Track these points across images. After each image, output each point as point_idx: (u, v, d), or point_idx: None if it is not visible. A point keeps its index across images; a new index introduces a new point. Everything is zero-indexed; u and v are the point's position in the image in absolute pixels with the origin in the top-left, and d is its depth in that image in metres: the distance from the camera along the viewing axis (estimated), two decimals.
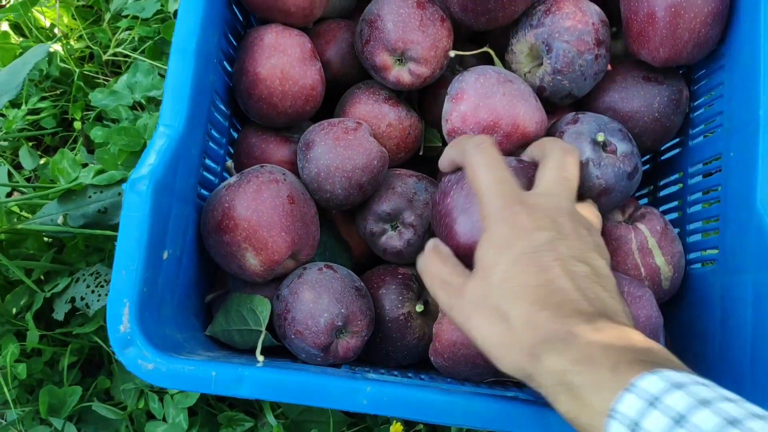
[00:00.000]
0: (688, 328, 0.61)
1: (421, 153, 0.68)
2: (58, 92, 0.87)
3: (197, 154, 0.57)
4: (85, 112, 0.84)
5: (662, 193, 0.70)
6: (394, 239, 0.61)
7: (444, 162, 0.52)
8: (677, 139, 0.68)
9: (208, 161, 0.61)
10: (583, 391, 0.35)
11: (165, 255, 0.51)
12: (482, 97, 0.57)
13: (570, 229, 0.43)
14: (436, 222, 0.53)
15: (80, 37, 0.90)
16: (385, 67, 0.61)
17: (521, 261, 0.41)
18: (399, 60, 0.61)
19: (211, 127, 0.60)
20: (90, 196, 0.65)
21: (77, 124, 0.84)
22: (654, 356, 0.35)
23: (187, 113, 0.53)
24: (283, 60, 0.59)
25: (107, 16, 0.90)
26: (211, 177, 0.62)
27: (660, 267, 0.59)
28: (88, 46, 0.89)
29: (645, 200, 0.73)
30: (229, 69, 0.63)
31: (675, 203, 0.67)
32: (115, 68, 0.89)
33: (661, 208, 0.69)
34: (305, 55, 0.60)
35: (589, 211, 0.51)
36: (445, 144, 0.64)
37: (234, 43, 0.64)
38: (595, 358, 0.35)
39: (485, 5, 0.58)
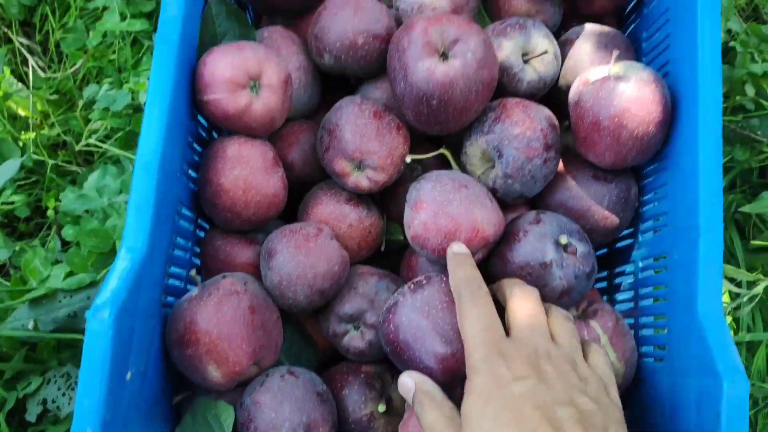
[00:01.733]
0: (641, 420, 0.63)
1: (382, 249, 0.70)
2: (31, 181, 0.89)
3: (161, 269, 0.59)
4: (58, 201, 0.86)
5: (617, 281, 0.73)
6: (356, 340, 0.63)
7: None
8: (630, 230, 0.70)
9: (174, 268, 0.63)
10: None
11: (128, 376, 0.53)
12: (440, 205, 0.59)
13: (551, 372, 0.44)
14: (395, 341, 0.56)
15: (53, 124, 0.92)
16: (344, 173, 0.64)
17: (503, 416, 0.41)
18: (357, 167, 0.63)
19: (176, 236, 0.62)
20: (60, 301, 0.67)
21: (50, 214, 0.86)
22: None
23: (150, 232, 0.55)
24: (246, 171, 0.61)
25: (80, 103, 0.92)
26: (177, 283, 0.64)
27: (612, 364, 0.61)
28: (60, 134, 0.91)
29: (603, 283, 0.76)
30: (194, 175, 0.66)
31: (630, 294, 0.70)
32: (88, 155, 0.91)
33: (617, 296, 0.72)
34: (267, 164, 0.63)
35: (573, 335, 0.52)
36: (407, 240, 0.67)
37: (198, 149, 0.66)
38: None
39: (436, 118, 0.61)
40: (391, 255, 0.72)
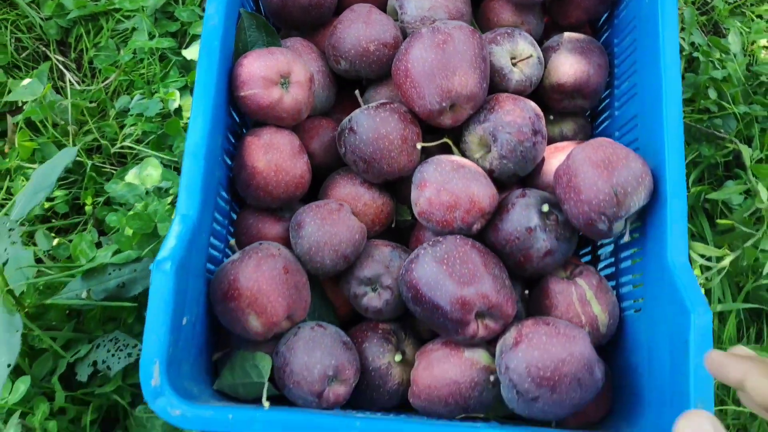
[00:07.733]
0: (624, 365, 0.72)
1: (393, 226, 0.80)
2: (69, 181, 0.98)
3: (206, 237, 0.68)
4: (95, 198, 0.95)
5: (600, 252, 0.83)
6: (374, 300, 0.73)
7: None
8: None
9: (213, 240, 0.72)
10: None
11: (184, 321, 0.62)
12: (442, 183, 0.70)
13: None
14: None
15: (88, 132, 1.02)
16: None
17: None
18: None
19: (216, 213, 0.72)
20: (110, 273, 0.75)
21: (88, 209, 0.95)
22: None
23: (199, 205, 0.64)
24: (277, 155, 0.71)
25: (113, 113, 1.02)
26: (215, 253, 0.73)
27: (597, 315, 0.71)
28: (96, 139, 1.00)
29: (588, 257, 0.86)
30: (229, 162, 0.75)
31: (611, 260, 0.80)
32: (121, 158, 1.00)
33: (600, 264, 0.81)
34: (295, 150, 0.73)
35: None
36: (414, 218, 0.77)
37: (232, 140, 0.76)
38: None
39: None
40: (400, 232, 0.82)
